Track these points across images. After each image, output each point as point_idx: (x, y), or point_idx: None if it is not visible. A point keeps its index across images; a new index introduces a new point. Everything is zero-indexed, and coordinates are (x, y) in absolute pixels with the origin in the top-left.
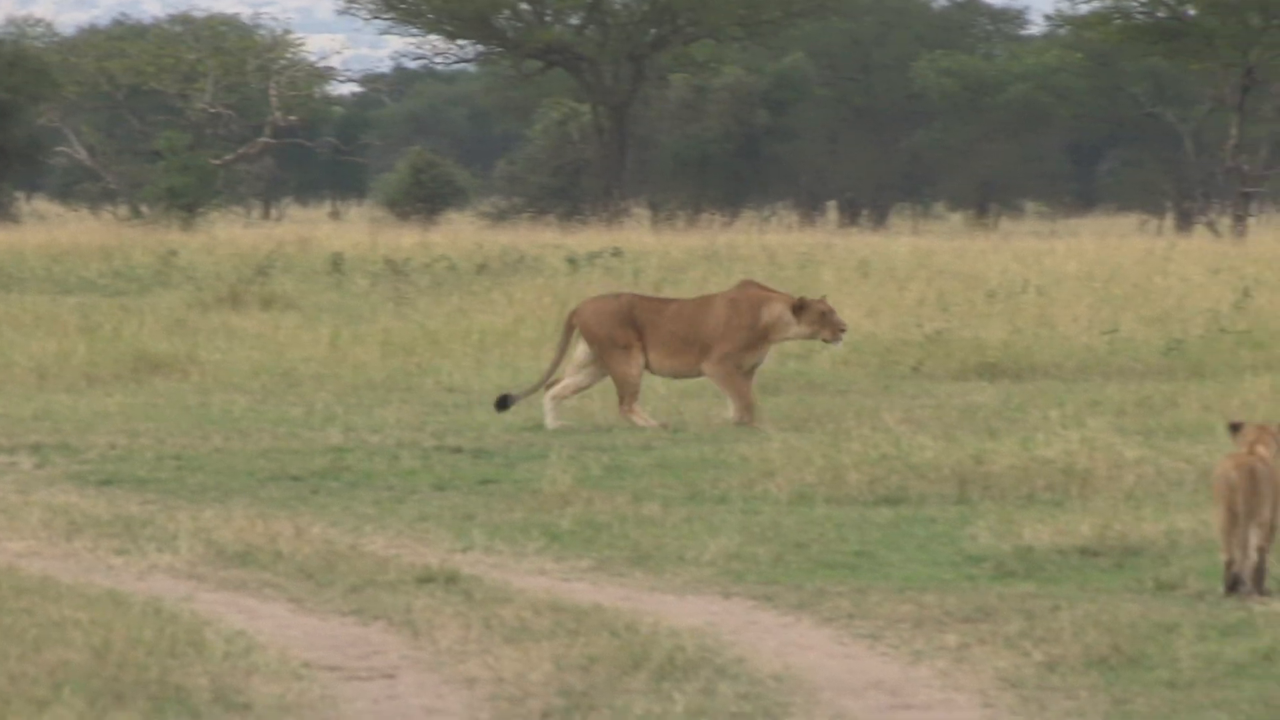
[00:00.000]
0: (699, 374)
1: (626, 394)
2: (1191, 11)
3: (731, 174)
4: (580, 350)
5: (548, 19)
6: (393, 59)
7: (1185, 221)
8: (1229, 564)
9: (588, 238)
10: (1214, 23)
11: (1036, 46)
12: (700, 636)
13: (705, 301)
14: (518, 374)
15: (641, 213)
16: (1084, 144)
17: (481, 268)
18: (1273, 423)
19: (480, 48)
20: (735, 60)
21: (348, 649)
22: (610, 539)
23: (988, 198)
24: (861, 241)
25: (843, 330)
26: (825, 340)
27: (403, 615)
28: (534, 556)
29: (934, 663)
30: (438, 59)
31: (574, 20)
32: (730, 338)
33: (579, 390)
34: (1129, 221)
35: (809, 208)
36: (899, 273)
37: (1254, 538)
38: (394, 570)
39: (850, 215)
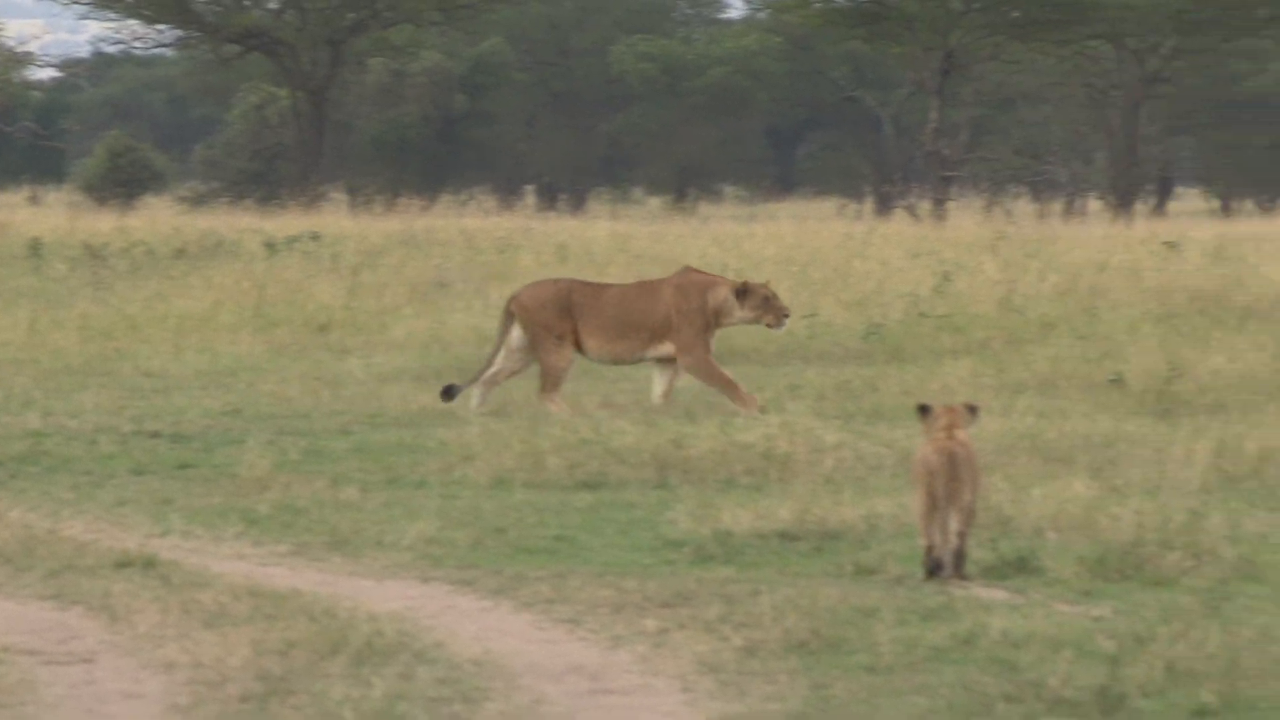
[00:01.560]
0: (639, 360)
1: (550, 383)
2: None
3: (430, 158)
4: (514, 335)
5: (246, 4)
6: (91, 44)
7: (884, 205)
8: (929, 548)
9: (286, 222)
10: (914, 6)
11: (735, 30)
12: (399, 621)
13: (649, 287)
14: (216, 359)
15: (340, 197)
16: (783, 128)
17: (180, 252)
18: (961, 404)
19: (179, 32)
20: (433, 45)
21: (46, 633)
22: (308, 524)
23: (686, 182)
24: (560, 226)
25: (786, 315)
26: (769, 325)
27: (101, 600)
28: (232, 541)
29: (633, 647)
30: (136, 44)
31: (272, 5)
32: (688, 322)
33: (510, 375)
34: (828, 205)
35: (507, 192)
36: (598, 257)
37: (954, 522)
38: (92, 555)
39: (548, 199)
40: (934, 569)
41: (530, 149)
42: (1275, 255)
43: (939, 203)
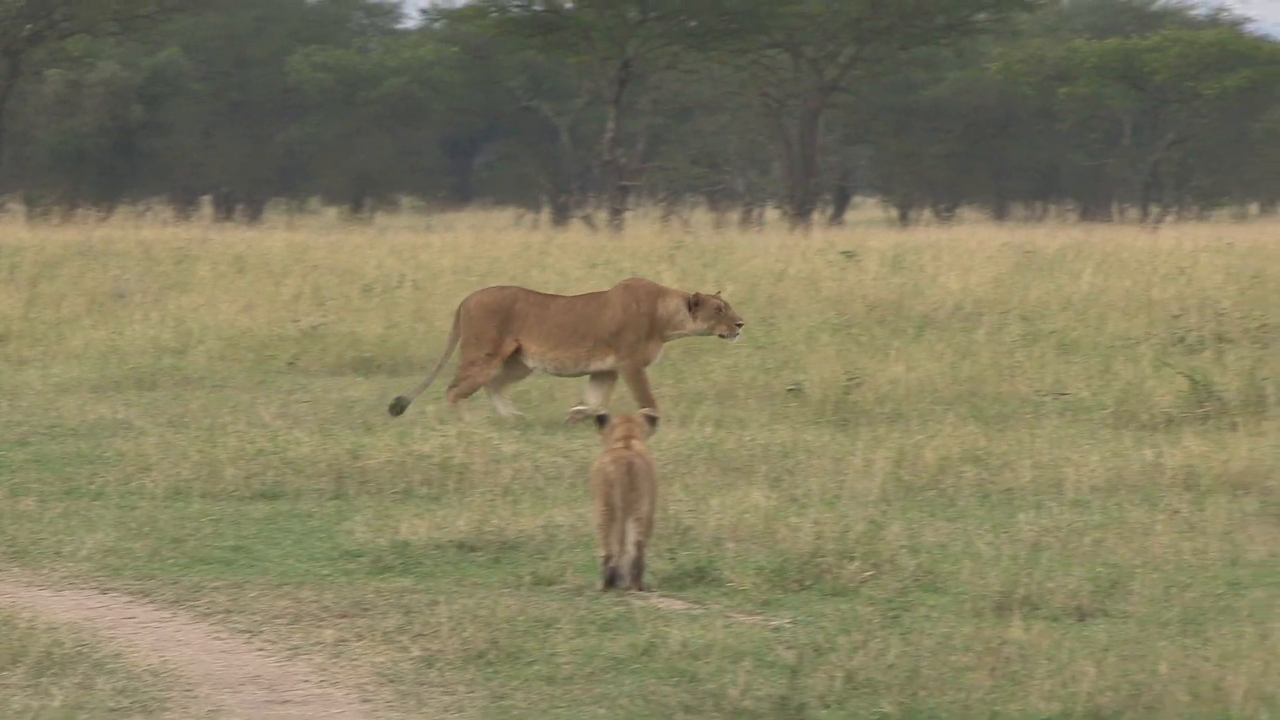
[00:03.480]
0: (584, 371)
1: (464, 388)
2: (569, 4)
3: (107, 168)
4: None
5: None
6: None
7: (562, 215)
8: (607, 559)
9: None
10: (590, 16)
11: (412, 40)
12: (77, 631)
13: (597, 296)
14: None
15: (17, 208)
16: (460, 138)
17: None
18: (639, 414)
19: None
20: (110, 55)
21: None
22: None
23: (363, 192)
24: (237, 236)
25: (739, 324)
26: (722, 335)
27: None
28: None
29: (311, 658)
30: None
31: None
32: (632, 329)
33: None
34: (506, 215)
35: (184, 202)
36: (275, 268)
37: (632, 532)
38: None
39: (226, 210)
40: (612, 579)
41: (207, 159)
42: (953, 264)
43: (616, 212)
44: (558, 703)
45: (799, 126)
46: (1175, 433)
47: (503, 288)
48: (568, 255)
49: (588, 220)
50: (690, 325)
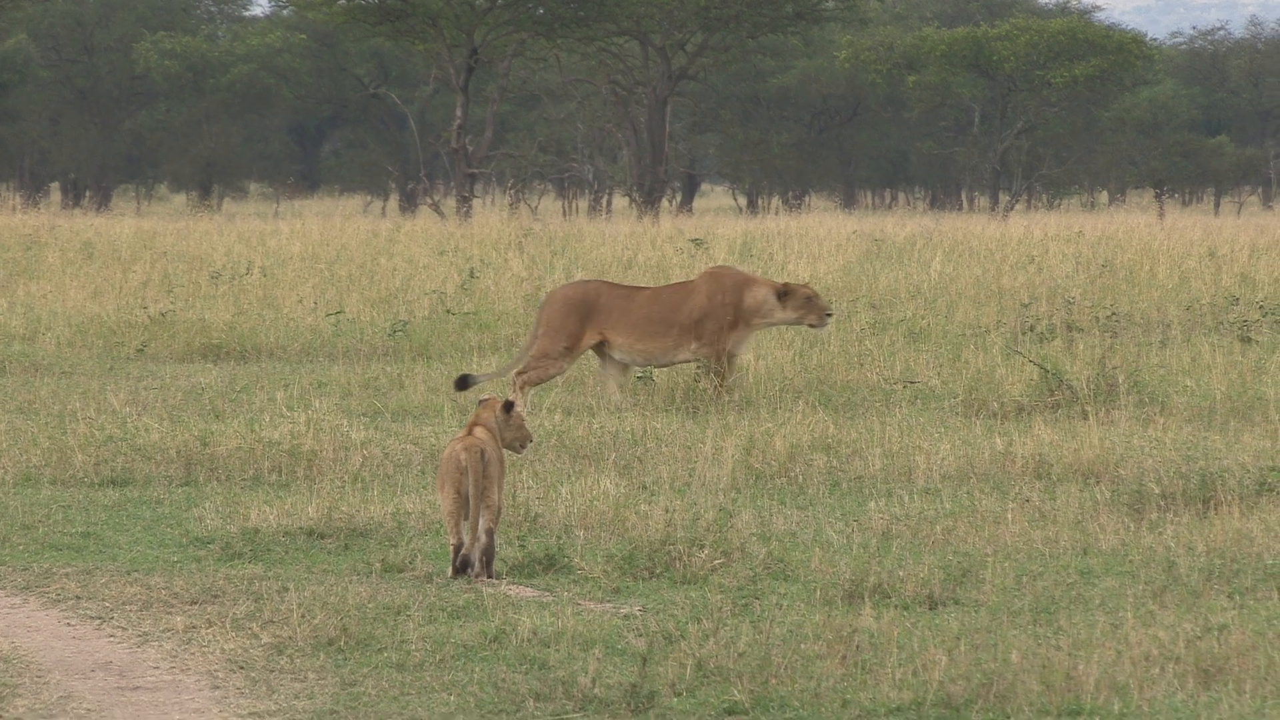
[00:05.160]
0: (672, 362)
1: (532, 377)
2: None
3: None
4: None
5: None
6: None
7: (410, 203)
8: (457, 547)
9: None
10: (438, 3)
11: (260, 27)
12: None
13: (683, 286)
14: None
15: None
16: (308, 125)
17: None
18: (496, 397)
19: None
20: None
21: None
22: None
23: (211, 179)
24: (85, 223)
25: (829, 314)
26: (811, 325)
27: None
28: None
29: (162, 645)
30: None
31: None
32: (716, 318)
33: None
34: (354, 203)
35: (32, 189)
36: (123, 254)
37: (484, 520)
38: None
39: (74, 197)
40: (463, 567)
41: (55, 146)
42: (802, 252)
43: (464, 200)
44: (408, 690)
45: (647, 114)
46: (1026, 421)
47: (586, 282)
48: (416, 243)
49: (435, 208)
50: (779, 315)
